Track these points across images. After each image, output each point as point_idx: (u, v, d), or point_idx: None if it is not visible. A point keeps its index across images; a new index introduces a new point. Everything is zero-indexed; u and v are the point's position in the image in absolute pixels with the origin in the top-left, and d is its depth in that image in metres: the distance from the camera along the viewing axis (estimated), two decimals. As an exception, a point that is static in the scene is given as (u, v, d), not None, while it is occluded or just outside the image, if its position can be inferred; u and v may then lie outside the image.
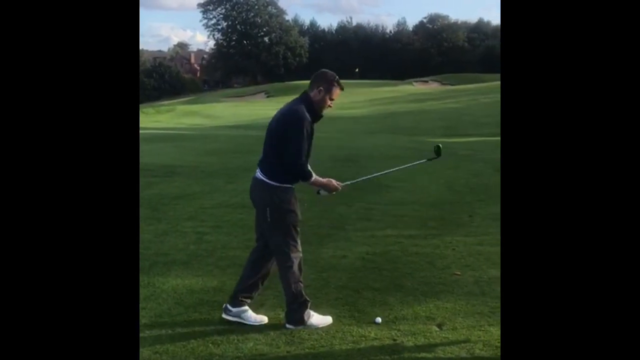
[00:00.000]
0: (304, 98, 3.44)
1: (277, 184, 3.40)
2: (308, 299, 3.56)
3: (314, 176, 3.44)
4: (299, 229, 3.50)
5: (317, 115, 3.44)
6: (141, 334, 3.39)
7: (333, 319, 3.62)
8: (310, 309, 3.56)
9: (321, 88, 3.39)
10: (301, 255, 3.53)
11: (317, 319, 3.54)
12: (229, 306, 3.57)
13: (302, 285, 3.54)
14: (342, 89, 3.45)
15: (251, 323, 3.52)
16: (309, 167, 3.46)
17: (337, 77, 3.45)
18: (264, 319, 3.57)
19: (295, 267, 3.49)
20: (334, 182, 3.52)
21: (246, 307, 3.57)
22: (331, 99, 3.42)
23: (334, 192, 3.57)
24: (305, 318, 3.50)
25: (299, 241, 3.51)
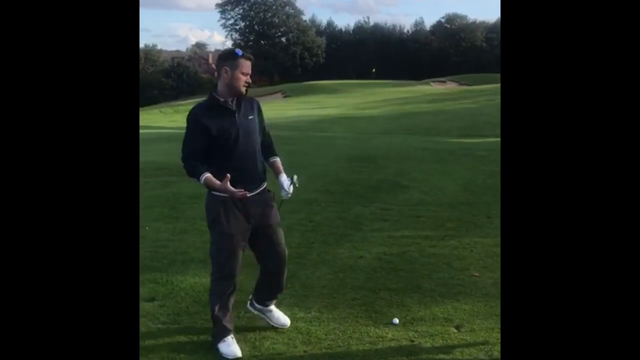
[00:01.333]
0: (208, 94, 3.16)
1: (209, 190, 3.14)
2: (228, 326, 3.23)
3: (205, 175, 2.98)
4: (240, 241, 3.16)
5: (228, 98, 3.08)
6: (159, 332, 3.42)
7: (350, 319, 3.62)
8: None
9: (226, 68, 3.03)
10: (235, 275, 3.20)
11: (225, 348, 3.18)
12: (253, 301, 3.51)
13: (221, 306, 3.22)
14: (249, 59, 3.07)
15: (272, 323, 3.48)
16: (242, 169, 3.08)
17: (237, 49, 3.11)
18: (287, 321, 3.50)
19: (221, 288, 3.23)
20: (230, 188, 2.94)
21: (271, 308, 3.50)
22: (243, 73, 3.03)
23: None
24: (216, 341, 3.24)
25: (235, 256, 3.17)
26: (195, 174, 3.03)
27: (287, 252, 3.38)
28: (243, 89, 3.08)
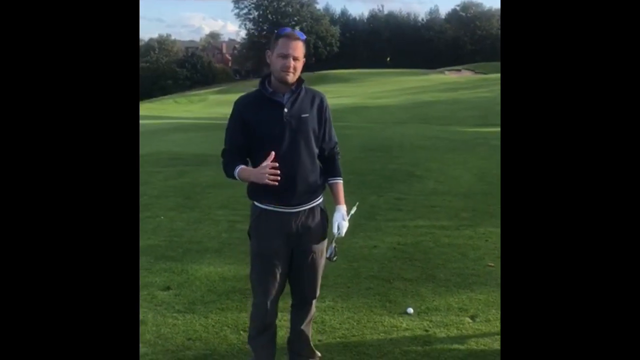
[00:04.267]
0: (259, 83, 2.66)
1: (251, 201, 2.69)
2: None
3: (239, 168, 2.53)
4: (273, 261, 2.63)
5: (279, 89, 2.56)
6: (174, 321, 3.45)
7: (364, 308, 3.62)
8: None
9: (268, 51, 2.54)
10: (269, 300, 2.69)
11: None
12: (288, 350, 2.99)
13: (255, 336, 2.82)
14: (290, 37, 2.48)
15: None
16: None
17: (285, 28, 2.59)
18: None
19: (256, 313, 2.76)
20: (256, 171, 2.46)
21: None
22: (280, 55, 2.46)
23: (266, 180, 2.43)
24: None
25: (267, 278, 2.66)
26: (228, 170, 2.58)
27: (318, 287, 2.84)
28: (284, 75, 2.48)
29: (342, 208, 2.72)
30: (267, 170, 2.40)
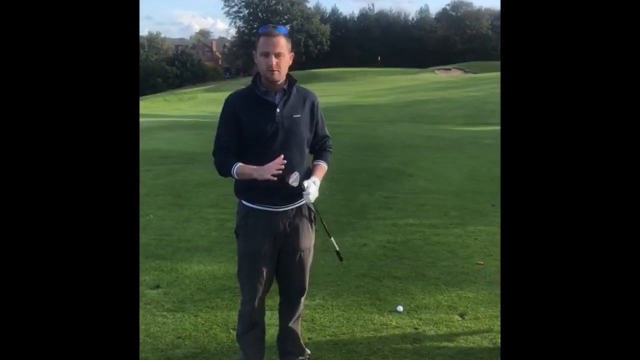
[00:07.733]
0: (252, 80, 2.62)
1: (238, 199, 2.69)
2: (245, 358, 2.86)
3: (237, 165, 2.45)
4: (260, 260, 2.62)
5: (271, 88, 2.52)
6: (164, 320, 3.44)
7: (354, 307, 3.62)
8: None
9: (254, 53, 2.51)
10: (257, 297, 2.69)
11: None
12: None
13: (244, 333, 2.80)
14: (267, 34, 2.43)
15: None
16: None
17: (265, 26, 2.53)
18: None
19: (244, 311, 2.76)
20: (265, 169, 2.38)
21: None
22: (263, 54, 2.42)
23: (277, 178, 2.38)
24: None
25: (254, 277, 2.65)
26: (225, 167, 2.50)
27: (306, 284, 2.83)
28: (269, 75, 2.45)
29: (317, 180, 2.59)
30: (275, 165, 2.35)
